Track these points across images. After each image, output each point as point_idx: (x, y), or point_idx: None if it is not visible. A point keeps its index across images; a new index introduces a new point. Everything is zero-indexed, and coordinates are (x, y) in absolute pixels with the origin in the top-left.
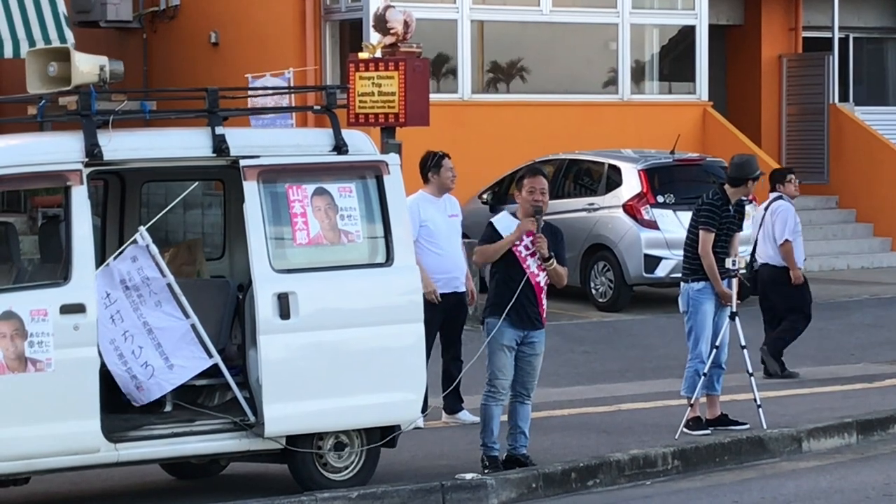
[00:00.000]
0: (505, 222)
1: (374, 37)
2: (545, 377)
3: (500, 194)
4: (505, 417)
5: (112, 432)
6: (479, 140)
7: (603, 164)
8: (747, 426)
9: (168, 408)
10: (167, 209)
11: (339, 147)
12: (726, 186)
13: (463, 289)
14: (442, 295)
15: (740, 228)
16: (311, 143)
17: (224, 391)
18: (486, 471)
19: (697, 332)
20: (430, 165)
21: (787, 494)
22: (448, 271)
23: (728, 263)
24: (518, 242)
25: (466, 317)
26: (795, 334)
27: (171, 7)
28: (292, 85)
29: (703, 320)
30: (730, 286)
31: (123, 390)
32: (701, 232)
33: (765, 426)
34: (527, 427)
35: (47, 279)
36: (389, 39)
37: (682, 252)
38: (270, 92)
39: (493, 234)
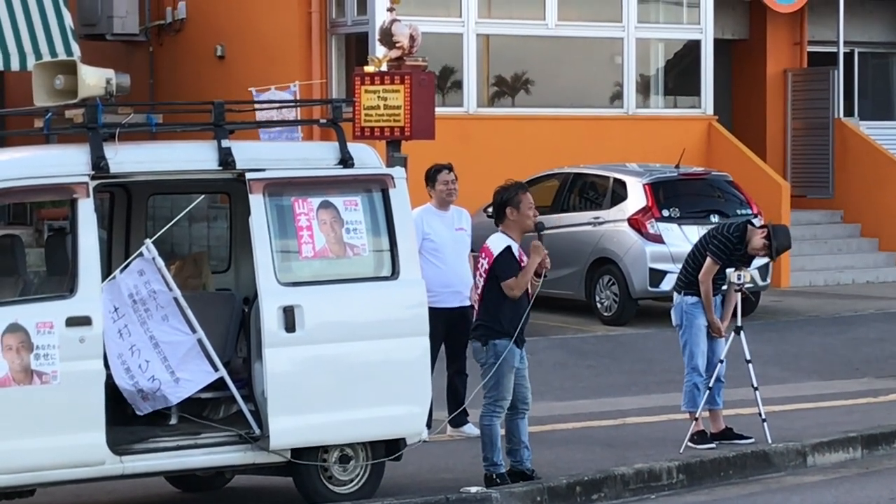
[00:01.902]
0: (510, 243)
1: (379, 50)
2: (550, 391)
3: None
4: (502, 432)
5: (117, 445)
6: (485, 154)
7: (608, 177)
8: (752, 440)
9: (173, 420)
10: (173, 222)
11: (345, 160)
12: (751, 228)
13: (468, 302)
14: (445, 308)
15: (748, 266)
16: (317, 157)
17: (229, 404)
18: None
19: (692, 346)
20: (428, 178)
21: None
22: (449, 285)
23: (734, 277)
24: (522, 262)
25: (471, 330)
26: None
27: (177, 20)
28: (298, 98)
29: (698, 334)
30: (724, 302)
31: (129, 401)
32: (708, 259)
33: (770, 440)
34: (528, 440)
35: (53, 292)
36: (395, 53)
37: None
38: (276, 105)
39: (513, 260)
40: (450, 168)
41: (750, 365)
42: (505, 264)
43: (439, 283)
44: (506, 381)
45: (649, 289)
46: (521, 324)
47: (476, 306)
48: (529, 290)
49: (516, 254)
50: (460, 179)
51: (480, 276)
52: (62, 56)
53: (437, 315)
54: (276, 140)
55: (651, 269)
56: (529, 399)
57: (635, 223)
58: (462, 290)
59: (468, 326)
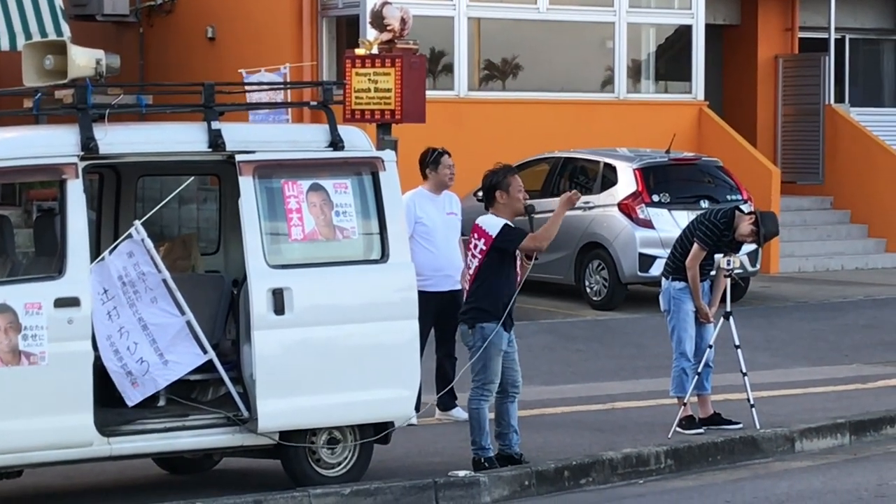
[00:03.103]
0: (506, 221)
1: (370, 33)
2: (539, 375)
3: None
4: (491, 416)
5: (105, 426)
6: (475, 137)
7: (598, 162)
8: (740, 426)
9: (161, 402)
10: (162, 203)
11: (335, 143)
12: (739, 214)
13: (458, 286)
14: (435, 293)
15: (737, 252)
16: (307, 139)
17: (218, 386)
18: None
19: (680, 332)
20: (429, 162)
21: (780, 494)
22: (441, 269)
23: (723, 263)
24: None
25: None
26: None
27: (167, 1)
28: (289, 80)
29: (685, 319)
30: (713, 287)
31: (118, 388)
32: (695, 245)
33: (758, 426)
34: (517, 424)
35: (42, 272)
36: (386, 36)
37: None
38: (267, 87)
39: (517, 229)
40: (448, 153)
41: (739, 350)
42: (511, 234)
43: (431, 267)
44: (493, 365)
45: (639, 274)
46: (509, 307)
47: (467, 288)
48: (519, 273)
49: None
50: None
51: (473, 256)
52: (52, 36)
53: (428, 299)
54: (263, 122)
55: (640, 254)
56: (520, 382)
57: (625, 208)
58: (453, 273)
59: (459, 310)
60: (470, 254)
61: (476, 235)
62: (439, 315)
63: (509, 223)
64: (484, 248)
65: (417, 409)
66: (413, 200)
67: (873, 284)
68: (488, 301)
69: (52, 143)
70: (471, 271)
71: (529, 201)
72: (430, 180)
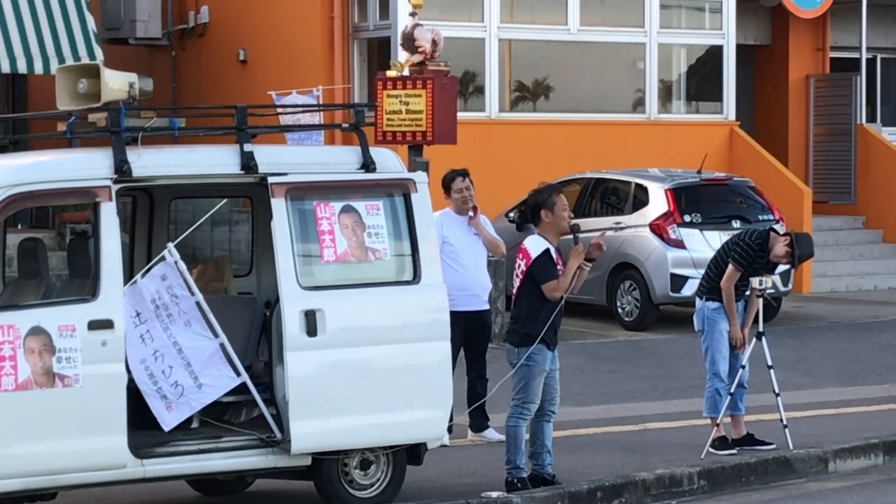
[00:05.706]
0: (548, 246)
1: (402, 55)
2: (571, 396)
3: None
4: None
5: (139, 448)
6: (507, 158)
7: (630, 183)
8: (773, 446)
9: (195, 424)
10: (195, 226)
11: (367, 165)
12: (774, 235)
13: (486, 307)
14: (464, 313)
15: (771, 273)
16: (339, 161)
17: (251, 408)
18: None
19: (714, 352)
20: (444, 185)
21: None
22: (467, 289)
23: (755, 283)
24: (559, 265)
25: (490, 335)
26: None
27: (199, 25)
28: (321, 103)
29: (720, 339)
30: (746, 308)
31: (154, 412)
32: (730, 266)
33: (791, 446)
34: (551, 445)
35: (75, 295)
36: (417, 58)
37: None
38: (299, 110)
39: (551, 264)
40: (464, 174)
41: (771, 370)
42: (543, 267)
43: (457, 287)
44: (535, 385)
45: (671, 294)
46: (555, 326)
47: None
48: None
49: (554, 257)
50: (482, 184)
51: (517, 276)
52: (85, 60)
53: (455, 319)
54: (298, 144)
55: (672, 275)
56: (557, 402)
57: (657, 228)
58: (480, 294)
59: (487, 331)
60: (514, 273)
61: (520, 255)
62: (468, 335)
63: (550, 249)
64: (525, 268)
65: (450, 430)
66: (440, 221)
67: None
68: (532, 321)
69: (86, 167)
70: (514, 290)
71: (575, 220)
72: (451, 204)
